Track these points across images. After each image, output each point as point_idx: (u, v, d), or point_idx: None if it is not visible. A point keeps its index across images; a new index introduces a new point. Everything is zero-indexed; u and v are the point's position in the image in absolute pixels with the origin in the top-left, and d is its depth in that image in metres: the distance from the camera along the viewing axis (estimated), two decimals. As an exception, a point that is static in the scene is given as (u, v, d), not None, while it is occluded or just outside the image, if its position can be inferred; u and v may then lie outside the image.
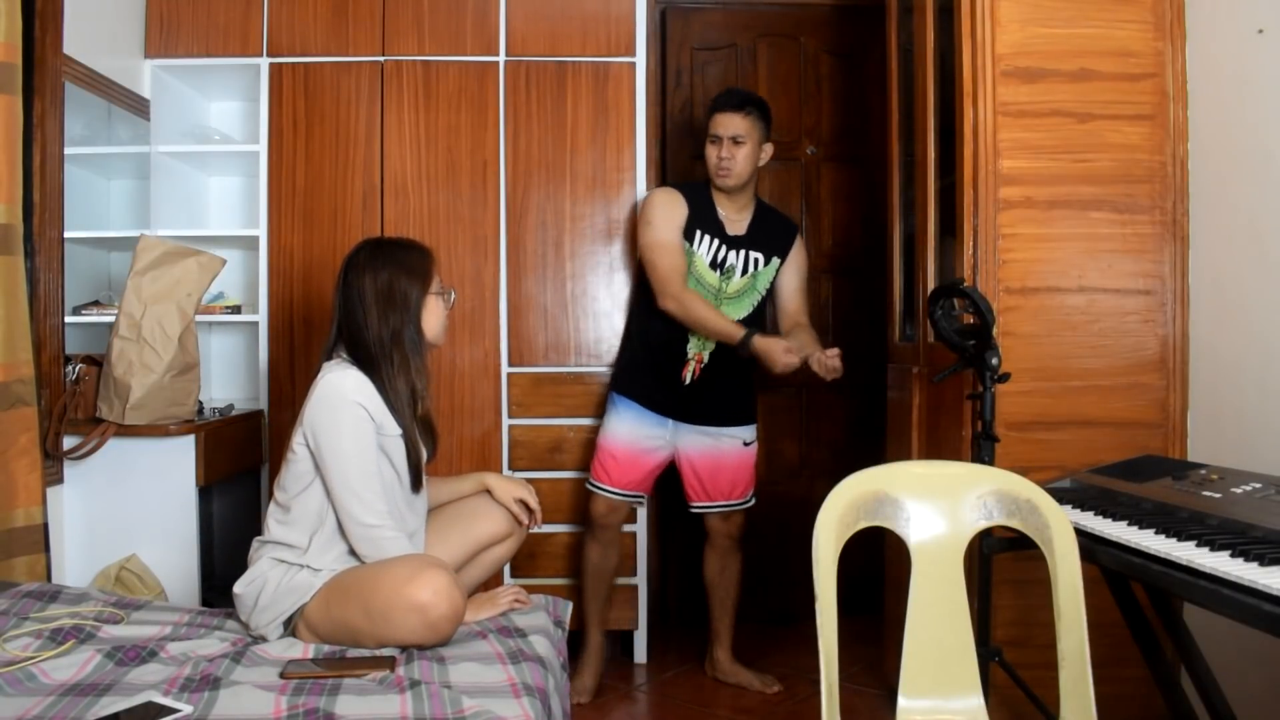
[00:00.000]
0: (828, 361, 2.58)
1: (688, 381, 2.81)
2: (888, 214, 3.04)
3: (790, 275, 2.90)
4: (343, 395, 1.96)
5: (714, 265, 2.81)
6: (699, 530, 2.95)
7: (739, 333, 2.66)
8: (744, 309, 2.85)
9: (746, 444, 2.89)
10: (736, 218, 2.84)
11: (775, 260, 2.87)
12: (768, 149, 2.81)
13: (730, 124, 2.73)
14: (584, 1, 3.08)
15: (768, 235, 2.87)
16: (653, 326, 2.82)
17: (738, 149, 2.74)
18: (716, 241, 2.80)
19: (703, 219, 2.80)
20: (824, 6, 3.66)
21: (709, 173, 2.80)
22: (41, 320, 2.45)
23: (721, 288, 2.81)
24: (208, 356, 3.30)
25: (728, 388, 2.85)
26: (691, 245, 2.79)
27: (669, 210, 2.78)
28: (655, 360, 2.82)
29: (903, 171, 2.92)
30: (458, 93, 3.07)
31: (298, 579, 1.96)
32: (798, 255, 2.92)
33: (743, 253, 2.83)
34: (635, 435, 2.83)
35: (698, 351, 2.80)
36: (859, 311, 3.63)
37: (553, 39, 3.08)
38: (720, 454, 2.86)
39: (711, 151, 2.77)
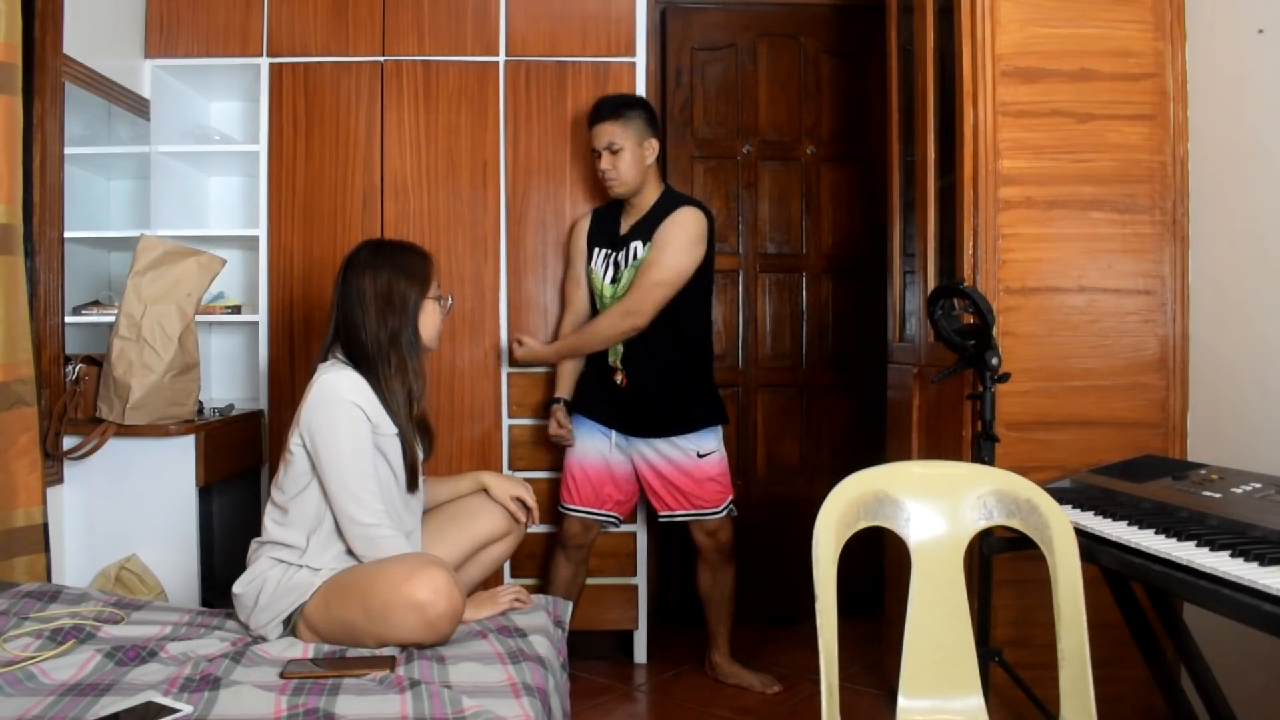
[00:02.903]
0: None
1: (620, 388, 2.78)
2: (888, 214, 3.04)
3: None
4: (338, 395, 1.96)
5: (608, 277, 2.81)
6: (686, 539, 2.94)
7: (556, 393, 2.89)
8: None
9: (701, 455, 2.77)
10: (634, 219, 2.82)
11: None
12: (651, 145, 2.77)
13: (603, 134, 2.73)
14: (584, 1, 3.08)
15: (650, 222, 2.78)
16: None
17: (617, 157, 2.73)
18: (607, 251, 2.82)
19: (600, 235, 2.84)
20: (824, 6, 3.66)
21: None
22: (41, 320, 2.45)
23: (615, 292, 2.79)
24: (208, 356, 3.30)
25: (656, 397, 2.75)
26: (591, 264, 2.84)
27: (573, 243, 2.92)
28: (597, 370, 2.81)
29: (903, 171, 2.92)
30: (458, 93, 3.07)
31: (297, 578, 1.96)
32: (664, 228, 2.69)
33: (625, 250, 2.79)
34: (589, 450, 2.82)
35: (614, 360, 2.79)
36: (859, 311, 3.63)
37: (553, 39, 3.08)
38: (674, 465, 2.79)
39: (596, 165, 2.78)
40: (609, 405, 2.80)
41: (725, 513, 2.83)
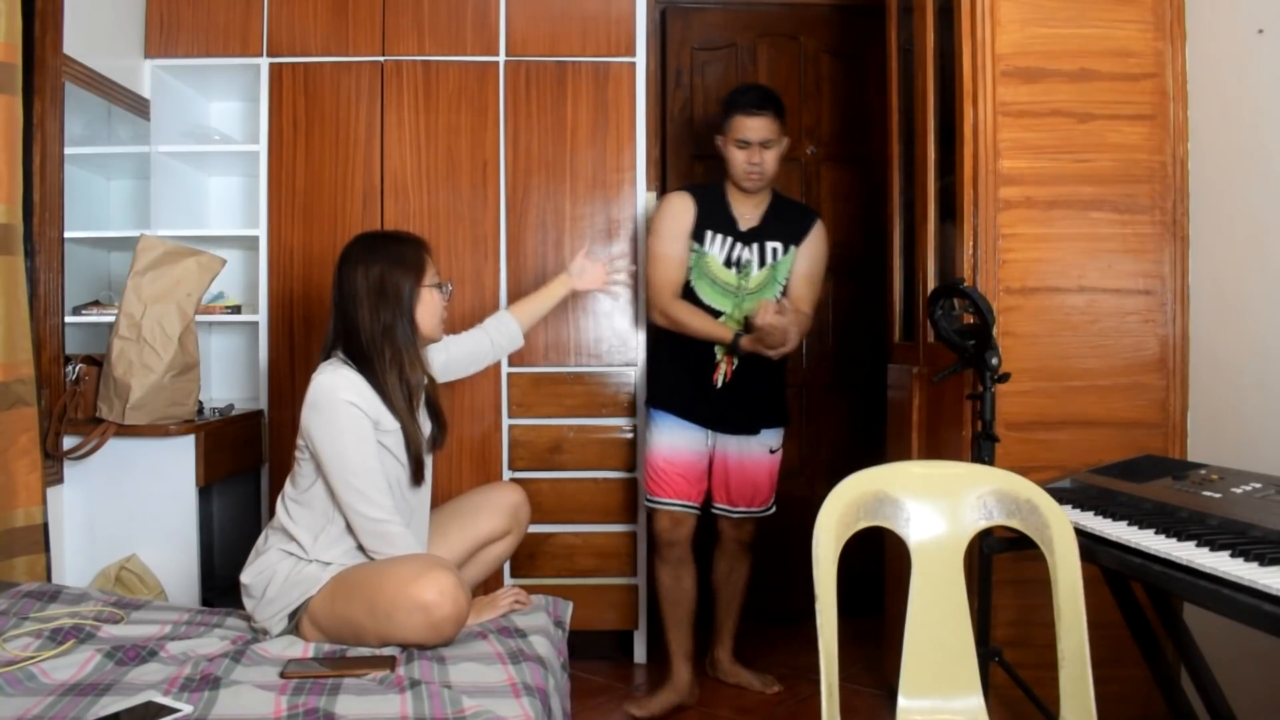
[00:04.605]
0: (765, 316, 2.53)
1: (719, 385, 2.76)
2: (888, 214, 3.04)
3: (800, 261, 2.80)
4: (335, 396, 1.96)
5: (729, 263, 2.76)
6: (703, 531, 2.94)
7: (727, 334, 2.68)
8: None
9: (772, 451, 2.84)
10: (751, 213, 2.79)
11: (794, 248, 2.80)
12: (786, 142, 2.77)
13: (761, 128, 2.67)
14: (584, 1, 3.08)
15: (783, 224, 2.80)
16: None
17: (767, 152, 2.70)
18: (729, 239, 2.75)
19: (713, 219, 2.76)
20: (824, 6, 3.66)
21: (732, 175, 2.74)
22: (41, 320, 2.45)
23: (741, 284, 2.76)
24: (208, 356, 3.30)
25: (761, 390, 2.79)
26: (702, 246, 2.75)
27: (676, 219, 2.75)
28: (687, 366, 2.76)
29: (903, 171, 2.92)
30: (458, 93, 3.07)
31: (306, 572, 1.96)
32: (812, 242, 2.81)
33: (757, 245, 2.77)
34: (679, 445, 2.78)
35: (725, 353, 2.75)
36: (859, 311, 3.63)
37: (553, 39, 3.08)
38: (752, 461, 2.82)
39: (740, 156, 2.70)
40: (705, 404, 2.77)
41: (770, 511, 2.88)
